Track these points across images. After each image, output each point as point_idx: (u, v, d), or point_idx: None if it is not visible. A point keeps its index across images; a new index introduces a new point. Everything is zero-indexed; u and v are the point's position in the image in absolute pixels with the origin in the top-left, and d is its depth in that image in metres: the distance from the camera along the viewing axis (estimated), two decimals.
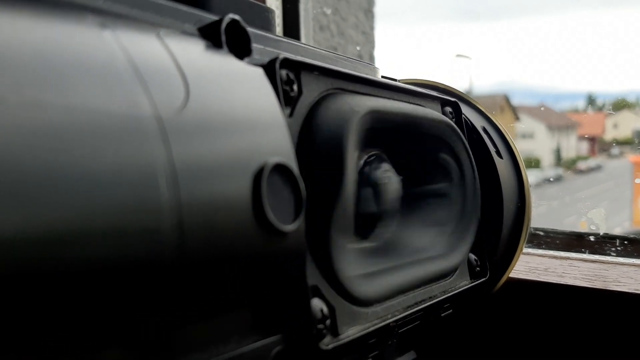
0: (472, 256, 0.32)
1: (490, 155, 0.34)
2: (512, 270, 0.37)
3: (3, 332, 0.11)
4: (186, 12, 0.19)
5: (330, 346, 0.20)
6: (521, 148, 0.37)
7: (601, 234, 0.51)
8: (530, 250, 0.49)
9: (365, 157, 0.27)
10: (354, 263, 0.23)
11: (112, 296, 0.13)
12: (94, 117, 0.13)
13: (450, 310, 0.30)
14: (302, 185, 0.18)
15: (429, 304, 0.27)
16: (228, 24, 0.19)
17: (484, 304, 0.40)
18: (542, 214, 0.55)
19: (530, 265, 0.43)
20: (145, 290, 0.14)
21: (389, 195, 0.27)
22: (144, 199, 0.13)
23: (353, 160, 0.23)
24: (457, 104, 0.33)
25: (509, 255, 0.36)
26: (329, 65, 0.23)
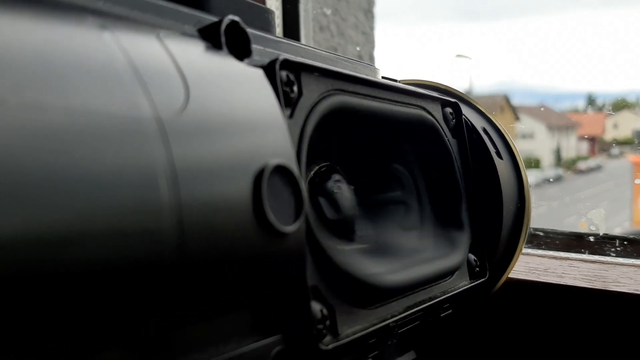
0: (472, 256, 0.32)
1: (490, 155, 0.34)
2: (512, 271, 0.37)
3: (4, 333, 0.11)
4: (186, 14, 0.20)
5: (330, 346, 0.20)
6: (521, 148, 0.37)
7: (601, 234, 0.51)
8: (529, 250, 0.49)
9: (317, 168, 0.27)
10: (354, 264, 0.23)
11: (112, 297, 0.13)
12: (94, 119, 0.13)
13: (450, 311, 0.30)
14: (302, 186, 0.18)
15: (428, 304, 0.27)
16: (228, 25, 0.19)
17: (483, 305, 0.40)
18: (542, 214, 0.55)
19: (530, 265, 0.43)
20: (146, 290, 0.14)
21: (348, 198, 0.27)
22: (144, 200, 0.13)
23: None
24: (458, 104, 0.33)
25: (508, 256, 0.36)
26: (329, 66, 0.23)
